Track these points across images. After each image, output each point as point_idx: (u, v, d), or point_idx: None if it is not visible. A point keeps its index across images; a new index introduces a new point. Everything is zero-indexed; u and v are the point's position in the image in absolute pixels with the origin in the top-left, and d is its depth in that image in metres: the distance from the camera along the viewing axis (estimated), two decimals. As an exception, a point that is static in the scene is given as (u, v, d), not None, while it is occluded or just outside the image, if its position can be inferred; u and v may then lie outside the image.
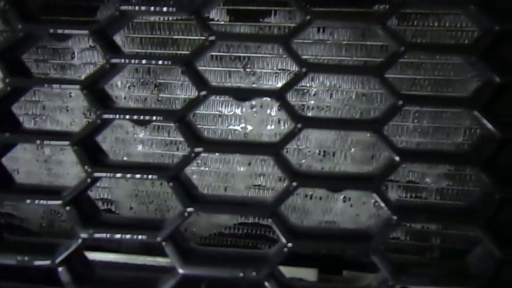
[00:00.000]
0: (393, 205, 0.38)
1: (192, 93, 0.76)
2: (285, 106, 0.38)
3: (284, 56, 0.73)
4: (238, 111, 0.74)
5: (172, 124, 0.76)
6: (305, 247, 0.36)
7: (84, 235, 0.37)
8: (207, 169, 0.77)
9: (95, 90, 0.40)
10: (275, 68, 0.72)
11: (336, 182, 0.38)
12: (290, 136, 0.37)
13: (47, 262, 0.36)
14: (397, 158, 0.37)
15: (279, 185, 0.75)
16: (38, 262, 0.37)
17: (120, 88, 0.78)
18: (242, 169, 0.76)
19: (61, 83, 0.39)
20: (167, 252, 0.37)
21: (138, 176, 0.37)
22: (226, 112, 0.75)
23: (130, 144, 0.78)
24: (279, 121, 0.74)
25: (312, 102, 0.71)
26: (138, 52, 0.74)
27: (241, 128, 0.75)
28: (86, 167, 0.38)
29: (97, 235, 0.37)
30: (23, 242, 0.42)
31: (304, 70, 0.38)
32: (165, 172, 0.37)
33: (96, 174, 0.38)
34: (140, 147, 0.79)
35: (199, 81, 0.39)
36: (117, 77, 0.74)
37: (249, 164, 0.76)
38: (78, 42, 0.77)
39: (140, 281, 0.38)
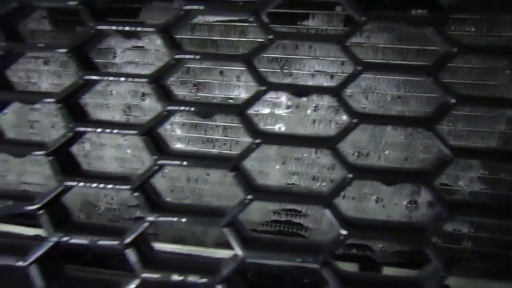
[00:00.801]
0: (445, 200, 0.39)
1: (230, 92, 0.78)
2: (341, 102, 0.40)
3: (321, 57, 0.76)
4: (275, 111, 0.76)
5: (209, 122, 0.80)
6: (360, 236, 0.38)
7: (151, 219, 0.39)
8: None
9: (160, 84, 0.43)
10: (311, 70, 0.74)
11: (391, 175, 0.40)
12: (347, 131, 0.39)
13: (116, 243, 0.39)
14: (450, 154, 0.38)
15: (312, 184, 0.77)
16: (107, 243, 0.39)
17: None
18: (276, 167, 0.78)
19: (129, 77, 0.42)
20: (228, 237, 0.39)
21: (202, 165, 0.39)
22: (263, 112, 0.77)
23: (168, 141, 0.81)
24: (314, 121, 0.76)
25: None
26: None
27: (278, 128, 0.77)
28: (153, 155, 0.40)
29: (162, 219, 0.40)
30: (88, 224, 0.44)
31: (359, 68, 0.40)
32: (227, 162, 0.39)
33: (161, 162, 0.40)
34: (177, 144, 0.81)
35: (259, 77, 0.41)
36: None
37: (283, 163, 0.78)
38: (120, 42, 0.81)
39: (202, 264, 0.40)
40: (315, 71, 0.74)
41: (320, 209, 0.40)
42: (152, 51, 0.80)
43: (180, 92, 0.80)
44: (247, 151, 0.39)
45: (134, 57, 0.81)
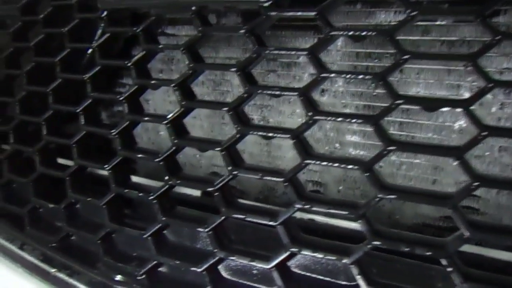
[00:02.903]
0: None
1: (409, 89, 0.81)
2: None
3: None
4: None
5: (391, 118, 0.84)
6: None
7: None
8: (417, 161, 0.81)
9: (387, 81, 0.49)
10: (499, 67, 0.74)
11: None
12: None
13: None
14: None
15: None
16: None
17: (339, 84, 0.87)
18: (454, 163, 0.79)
19: (358, 74, 0.49)
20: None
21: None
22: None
23: (344, 134, 0.87)
24: (499, 119, 0.75)
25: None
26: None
27: (458, 125, 0.78)
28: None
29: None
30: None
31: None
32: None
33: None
34: (351, 137, 0.87)
35: (485, 75, 0.45)
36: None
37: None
38: (303, 43, 0.90)
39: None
40: (503, 68, 0.74)
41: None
42: (333, 51, 0.87)
43: (358, 89, 0.86)
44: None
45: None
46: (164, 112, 1.04)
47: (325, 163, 0.51)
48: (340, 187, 0.90)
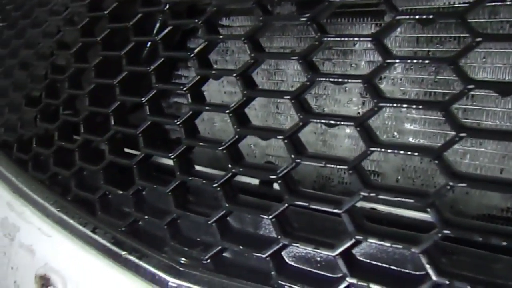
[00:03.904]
0: None
1: (473, 74, 0.78)
2: None
3: None
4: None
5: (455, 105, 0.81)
6: None
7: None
8: (482, 149, 0.78)
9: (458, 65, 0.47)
10: None
11: None
12: None
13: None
14: None
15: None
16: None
17: (398, 71, 0.85)
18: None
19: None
20: None
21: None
22: (513, 94, 0.74)
23: (403, 122, 0.85)
24: None
25: None
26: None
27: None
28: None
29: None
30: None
31: None
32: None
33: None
34: (411, 125, 0.85)
35: None
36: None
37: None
38: (359, 30, 0.88)
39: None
40: None
41: None
42: (392, 37, 0.84)
43: (418, 75, 0.84)
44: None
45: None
46: (219, 102, 1.06)
47: (391, 150, 0.50)
48: (399, 176, 0.88)
